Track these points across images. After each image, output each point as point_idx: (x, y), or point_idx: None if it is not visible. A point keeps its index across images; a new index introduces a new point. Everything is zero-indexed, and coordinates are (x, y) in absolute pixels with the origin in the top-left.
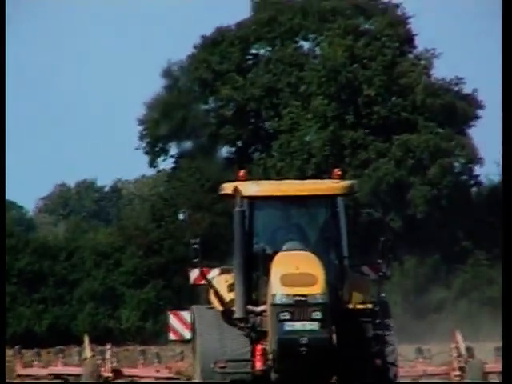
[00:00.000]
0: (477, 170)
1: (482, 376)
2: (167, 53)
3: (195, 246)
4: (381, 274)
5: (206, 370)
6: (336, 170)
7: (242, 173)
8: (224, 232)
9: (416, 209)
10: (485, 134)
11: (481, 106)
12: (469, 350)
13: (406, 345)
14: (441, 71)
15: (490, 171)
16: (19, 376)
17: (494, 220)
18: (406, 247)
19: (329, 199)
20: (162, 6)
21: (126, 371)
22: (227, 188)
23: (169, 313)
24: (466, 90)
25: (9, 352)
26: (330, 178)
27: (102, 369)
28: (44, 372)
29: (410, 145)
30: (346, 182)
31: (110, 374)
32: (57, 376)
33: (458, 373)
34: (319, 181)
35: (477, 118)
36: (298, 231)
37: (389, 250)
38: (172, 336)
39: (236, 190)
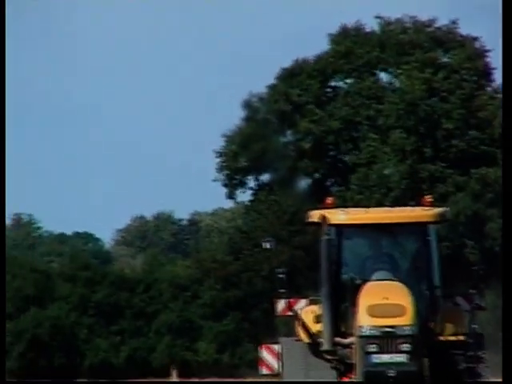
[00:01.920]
0: None
1: None
2: (247, 85)
3: (281, 275)
4: (474, 304)
5: None
6: (427, 196)
7: (329, 200)
8: (302, 265)
9: (494, 242)
10: None
11: None
12: None
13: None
14: None
15: None
16: None
17: None
18: (485, 281)
19: (420, 227)
20: (242, 38)
21: None
22: (314, 216)
23: (261, 346)
24: None
25: None
26: (420, 205)
27: None
28: None
29: (488, 178)
30: (438, 209)
31: None
32: None
33: None
34: (410, 208)
35: None
36: (388, 260)
37: (482, 280)
38: (264, 370)
39: (323, 217)
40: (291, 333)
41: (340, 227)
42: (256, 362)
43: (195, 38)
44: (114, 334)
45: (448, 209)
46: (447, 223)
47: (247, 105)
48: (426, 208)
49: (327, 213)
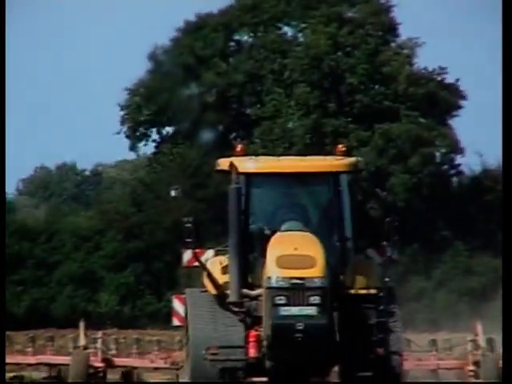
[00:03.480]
0: (458, 159)
1: (498, 371)
2: (149, 37)
3: (188, 225)
4: (387, 256)
5: (197, 356)
6: (340, 145)
7: (239, 147)
8: (205, 217)
9: (396, 197)
10: (466, 124)
11: (463, 96)
12: (489, 342)
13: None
14: (423, 61)
15: (470, 161)
16: (7, 365)
17: (474, 210)
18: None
19: (332, 177)
20: None
21: (119, 361)
22: (223, 164)
23: (173, 297)
24: (449, 79)
25: None
26: (332, 154)
27: (93, 358)
28: (33, 360)
29: (392, 134)
30: (351, 159)
31: (101, 364)
32: (47, 365)
33: (472, 367)
34: (322, 157)
35: (459, 107)
36: (298, 210)
37: (395, 232)
38: (176, 321)
39: (232, 165)
40: (193, 285)
41: (249, 176)
42: (156, 314)
43: None
44: (15, 283)
45: (361, 159)
46: (359, 173)
47: (151, 57)
48: (339, 157)
49: (236, 160)
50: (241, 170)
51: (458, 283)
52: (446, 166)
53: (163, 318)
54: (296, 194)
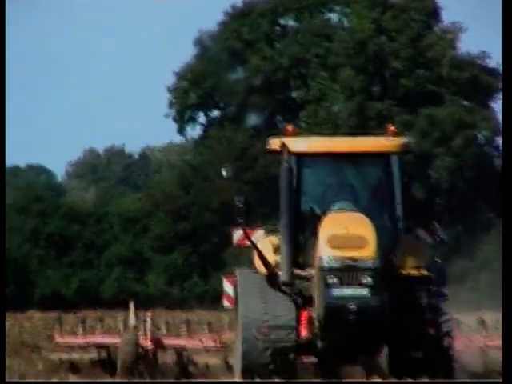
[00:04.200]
0: (500, 141)
1: None
2: (198, 22)
3: (239, 205)
4: (437, 237)
5: (248, 337)
6: (391, 126)
7: (290, 128)
8: (251, 200)
9: (440, 179)
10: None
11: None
12: None
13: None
14: (466, 45)
15: None
16: (58, 346)
17: None
18: (427, 218)
19: (382, 157)
20: None
21: (168, 341)
22: (274, 144)
23: (224, 278)
24: (491, 64)
25: (38, 314)
26: (383, 134)
27: (142, 338)
28: (83, 341)
29: (435, 117)
30: (402, 140)
31: (151, 345)
32: (97, 346)
33: None
34: (373, 138)
35: (501, 90)
36: (350, 191)
37: (445, 212)
38: (226, 303)
39: (283, 145)
40: (240, 266)
41: (301, 155)
42: (203, 296)
43: None
44: (64, 265)
45: (412, 139)
46: (410, 153)
47: (198, 42)
48: (390, 138)
49: (288, 141)
50: (292, 149)
51: (501, 264)
52: (488, 148)
53: (210, 299)
54: (347, 174)
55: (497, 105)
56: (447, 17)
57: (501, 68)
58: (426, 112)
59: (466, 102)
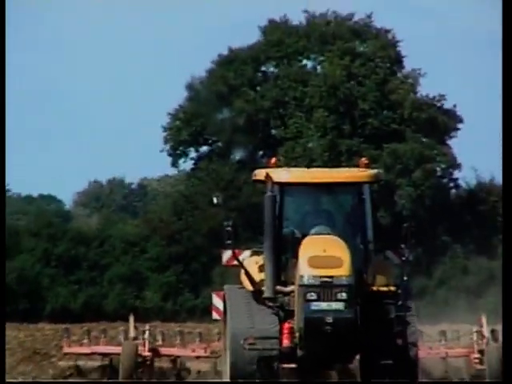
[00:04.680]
0: (456, 174)
1: (500, 358)
2: (188, 69)
3: (228, 228)
4: (403, 258)
5: (236, 346)
6: (363, 159)
7: (273, 160)
8: (237, 225)
9: (403, 207)
10: (463, 144)
11: (460, 120)
12: (493, 332)
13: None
14: (425, 89)
15: (467, 175)
16: (65, 355)
17: (469, 218)
18: (392, 241)
19: (356, 187)
20: (185, 29)
21: (164, 350)
22: (259, 174)
23: (213, 293)
24: (447, 105)
25: (48, 326)
26: (357, 166)
27: (141, 348)
28: (88, 350)
29: (398, 152)
30: (373, 171)
31: (149, 353)
32: (101, 355)
33: (477, 355)
34: (347, 169)
35: (456, 129)
36: (326, 216)
37: (411, 236)
38: (215, 315)
39: (268, 176)
40: (226, 283)
41: (283, 185)
42: (194, 309)
43: (141, 30)
44: (72, 283)
45: (381, 171)
46: (381, 183)
47: (189, 87)
48: (362, 169)
49: (271, 172)
50: (275, 179)
51: (456, 281)
52: (445, 180)
53: (200, 312)
54: (324, 201)
55: (452, 142)
56: (408, 64)
57: (456, 109)
58: (391, 148)
59: (425, 139)
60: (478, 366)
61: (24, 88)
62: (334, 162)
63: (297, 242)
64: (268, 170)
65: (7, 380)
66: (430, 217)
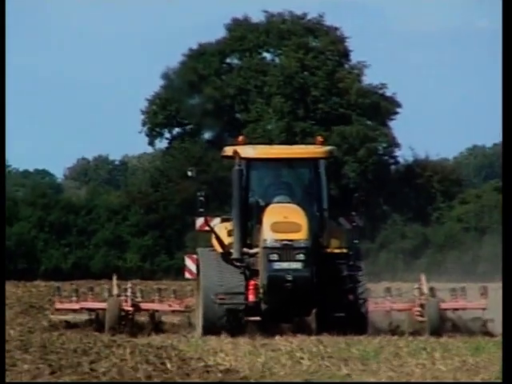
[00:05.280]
0: (395, 152)
1: (439, 312)
2: (164, 61)
3: (201, 198)
4: (354, 224)
5: (208, 301)
6: (319, 137)
7: (241, 138)
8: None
9: (349, 180)
10: (401, 126)
11: (399, 105)
12: (431, 289)
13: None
14: (369, 78)
15: (405, 153)
16: (57, 310)
17: (407, 190)
18: (342, 209)
19: (312, 161)
20: (161, 27)
21: (144, 305)
22: (228, 151)
23: (185, 256)
24: (388, 92)
25: (42, 284)
26: (313, 144)
27: (124, 304)
28: (77, 306)
29: (345, 133)
30: (327, 148)
31: (131, 308)
32: (88, 310)
33: (418, 309)
34: (305, 146)
35: (396, 113)
36: (287, 187)
37: (362, 204)
38: (187, 275)
39: (235, 152)
40: (198, 246)
41: (249, 160)
42: (169, 269)
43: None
44: (63, 246)
45: (335, 147)
46: (333, 159)
47: (165, 76)
48: (318, 146)
49: (239, 148)
50: (243, 155)
51: (395, 245)
52: (386, 157)
53: (174, 272)
54: (285, 174)
55: (392, 124)
56: (354, 57)
57: (395, 96)
58: (339, 129)
59: (369, 122)
60: (419, 318)
61: (23, 79)
62: (289, 143)
63: (261, 210)
64: (236, 147)
65: (6, 381)
66: (372, 189)
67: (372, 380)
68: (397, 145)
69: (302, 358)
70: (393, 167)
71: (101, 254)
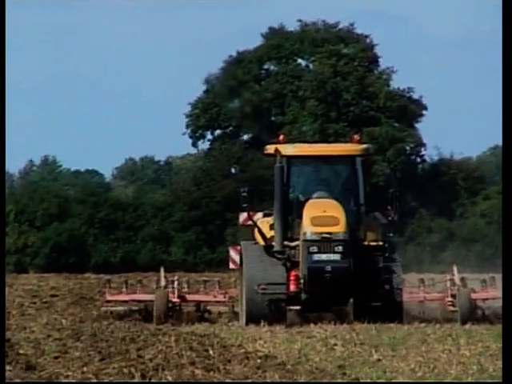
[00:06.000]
0: (422, 152)
1: (470, 302)
2: (206, 68)
3: (244, 194)
4: (389, 218)
5: (251, 291)
6: (356, 136)
7: (281, 137)
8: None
9: (378, 178)
10: (427, 127)
11: (425, 108)
12: (462, 280)
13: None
14: (397, 83)
15: (431, 152)
16: (108, 302)
17: (433, 187)
18: (372, 206)
19: (350, 159)
20: (204, 36)
21: (190, 297)
22: (269, 149)
23: (230, 247)
24: (415, 96)
25: (93, 276)
26: (350, 142)
27: (171, 295)
28: (126, 298)
29: (375, 134)
30: (364, 146)
31: (177, 300)
32: (137, 301)
33: (450, 299)
34: (343, 144)
35: (422, 115)
36: (325, 183)
37: (396, 199)
38: (232, 265)
39: (277, 150)
40: (238, 241)
41: (290, 157)
42: (210, 262)
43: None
44: (112, 241)
45: (371, 145)
46: (371, 156)
47: (207, 81)
48: (355, 144)
49: (280, 146)
50: (283, 153)
51: (422, 239)
52: (413, 157)
53: (216, 264)
54: (324, 170)
55: (419, 125)
56: (383, 63)
57: (422, 99)
58: (368, 131)
59: (396, 124)
60: (451, 308)
61: (72, 74)
62: (324, 143)
63: (301, 205)
64: (277, 146)
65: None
66: (400, 186)
67: (401, 365)
68: (423, 145)
69: (336, 345)
70: (420, 166)
71: (147, 248)
